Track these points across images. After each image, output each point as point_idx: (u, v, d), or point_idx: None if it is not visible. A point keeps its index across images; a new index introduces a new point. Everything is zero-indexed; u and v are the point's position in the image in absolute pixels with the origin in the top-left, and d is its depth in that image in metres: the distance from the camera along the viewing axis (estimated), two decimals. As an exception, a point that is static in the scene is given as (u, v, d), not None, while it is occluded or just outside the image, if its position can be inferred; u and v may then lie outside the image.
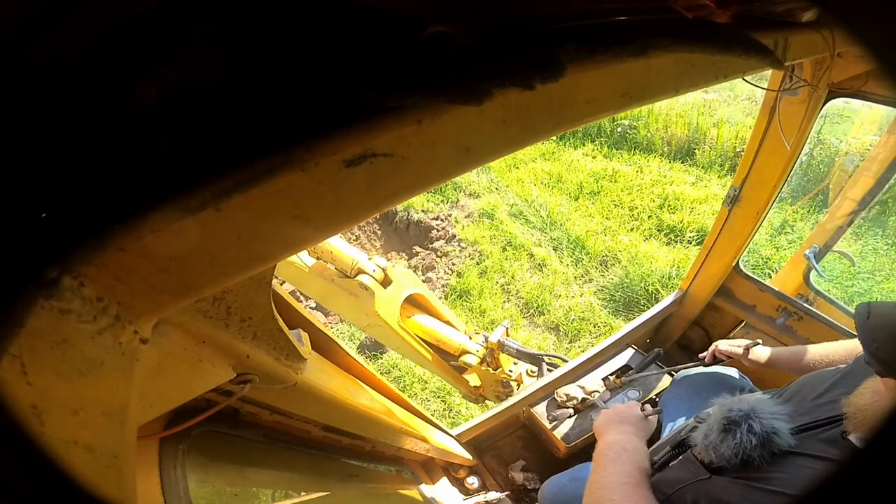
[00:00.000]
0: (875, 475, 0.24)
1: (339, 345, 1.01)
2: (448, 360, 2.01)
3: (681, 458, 0.97)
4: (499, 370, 2.00)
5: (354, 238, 4.88)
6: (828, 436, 0.77)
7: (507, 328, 1.96)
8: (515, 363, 2.09)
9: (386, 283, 1.71)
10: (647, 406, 1.17)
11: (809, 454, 0.76)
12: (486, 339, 1.94)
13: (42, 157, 0.29)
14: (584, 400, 1.74)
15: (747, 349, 1.36)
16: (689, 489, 0.86)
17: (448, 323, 1.99)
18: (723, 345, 1.46)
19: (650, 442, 1.09)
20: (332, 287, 1.68)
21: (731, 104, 6.33)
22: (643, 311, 2.93)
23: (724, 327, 2.10)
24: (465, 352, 1.95)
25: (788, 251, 3.87)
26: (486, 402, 2.23)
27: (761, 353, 1.35)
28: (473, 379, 2.12)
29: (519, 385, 2.11)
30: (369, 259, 1.68)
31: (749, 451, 0.79)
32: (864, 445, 0.60)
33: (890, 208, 3.96)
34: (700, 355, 1.56)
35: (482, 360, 1.96)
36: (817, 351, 1.24)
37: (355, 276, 1.64)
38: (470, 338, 1.97)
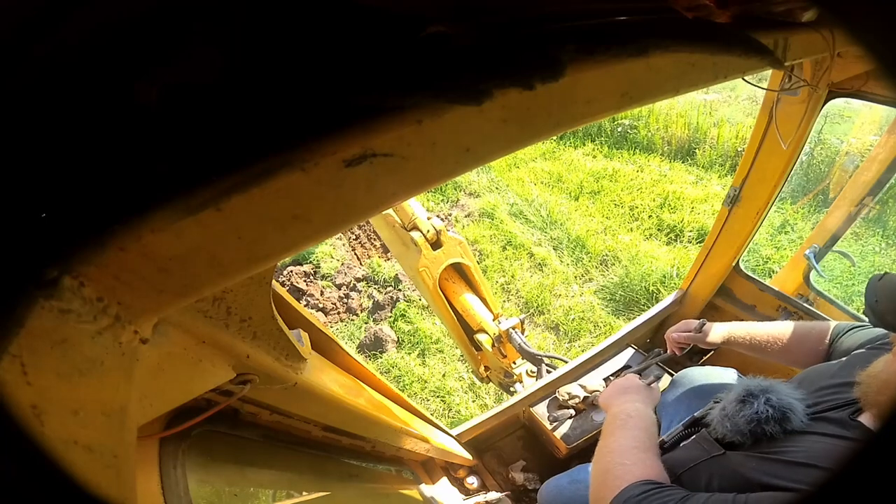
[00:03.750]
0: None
1: (339, 345, 1.01)
2: (468, 332, 2.07)
3: (693, 437, 0.97)
4: (506, 359, 2.02)
5: (355, 238, 4.88)
6: (836, 417, 0.78)
7: (521, 321, 1.97)
8: (523, 359, 2.10)
9: (437, 244, 1.76)
10: (651, 376, 1.18)
11: (820, 432, 0.77)
12: (499, 323, 1.96)
13: (42, 157, 0.29)
14: (585, 399, 1.74)
15: (699, 329, 1.35)
16: (702, 467, 0.85)
17: (483, 300, 2.02)
18: (674, 334, 1.44)
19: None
20: (392, 234, 1.79)
21: (731, 104, 6.33)
22: (643, 310, 2.92)
23: (724, 327, 2.10)
24: (482, 330, 1.98)
25: (788, 251, 3.87)
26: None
27: (717, 330, 1.34)
28: (487, 359, 2.17)
29: (519, 382, 2.11)
30: (427, 218, 1.74)
31: (764, 423, 0.80)
32: (885, 418, 0.62)
33: (890, 208, 3.96)
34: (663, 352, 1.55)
35: (493, 343, 1.98)
36: (768, 331, 1.25)
37: (410, 230, 1.71)
38: (493, 318, 2.00)
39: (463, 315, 2.03)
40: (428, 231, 1.72)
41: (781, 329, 1.23)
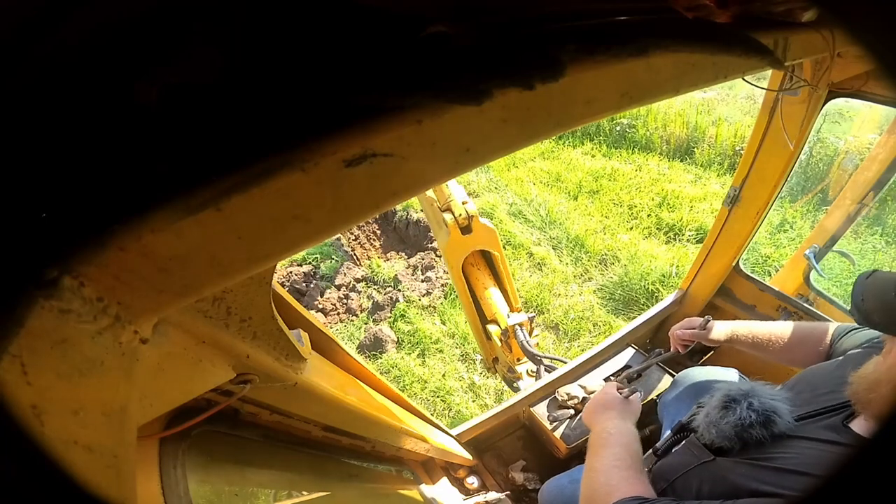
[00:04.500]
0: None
1: (339, 345, 1.01)
2: (482, 322, 2.10)
3: (684, 442, 0.98)
4: (511, 354, 2.03)
5: (354, 238, 4.88)
6: (828, 423, 0.78)
7: (530, 319, 1.98)
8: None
9: (467, 229, 1.80)
10: (627, 389, 1.18)
11: (811, 437, 0.77)
12: (508, 317, 1.97)
13: (42, 157, 0.29)
14: (584, 399, 1.74)
15: (703, 327, 1.35)
16: (693, 474, 0.86)
17: (505, 292, 2.04)
18: (679, 331, 1.44)
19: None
20: (430, 210, 1.89)
21: (729, 103, 6.34)
22: (643, 309, 2.92)
23: (723, 327, 2.09)
24: (495, 321, 2.00)
25: (788, 250, 3.87)
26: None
27: (721, 328, 1.34)
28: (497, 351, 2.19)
29: (521, 380, 2.12)
30: (463, 202, 1.78)
31: (749, 427, 0.80)
32: (883, 421, 0.62)
33: (889, 207, 3.96)
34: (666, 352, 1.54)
35: (500, 337, 2.00)
36: (771, 330, 1.25)
37: (443, 211, 1.77)
38: (509, 313, 2.01)
39: (480, 302, 2.06)
40: (460, 215, 1.76)
41: (783, 328, 1.23)
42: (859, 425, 0.75)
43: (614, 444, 0.97)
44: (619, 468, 0.90)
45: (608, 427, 1.03)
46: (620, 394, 1.15)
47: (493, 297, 2.01)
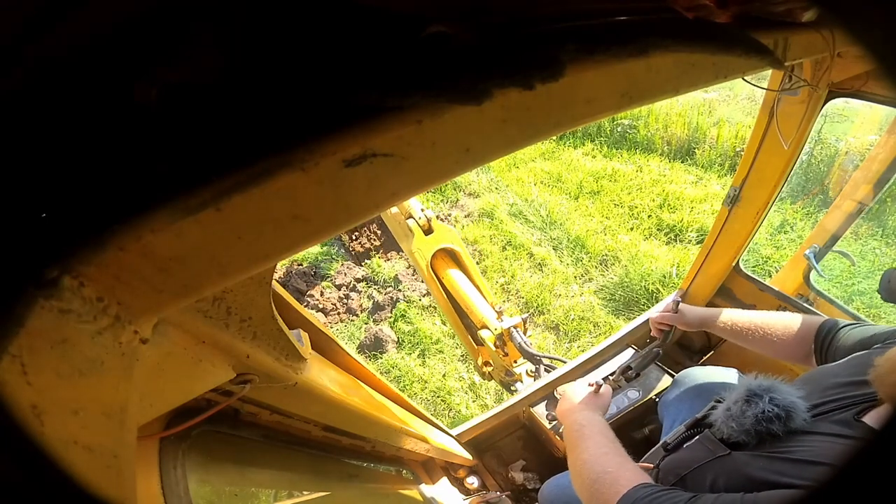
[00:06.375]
0: None
1: (339, 345, 1.01)
2: (470, 328, 2.17)
3: (697, 437, 0.98)
4: (507, 357, 2.04)
5: (354, 238, 4.88)
6: (840, 418, 0.78)
7: (524, 320, 2.00)
8: (524, 359, 2.12)
9: (428, 231, 2.01)
10: (607, 379, 1.21)
11: (824, 432, 0.77)
12: (502, 321, 1.99)
13: (42, 157, 0.29)
14: (583, 399, 1.74)
15: (674, 310, 1.34)
16: (706, 468, 0.86)
17: (478, 288, 2.12)
18: (654, 315, 1.44)
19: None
20: (393, 222, 2.12)
21: (730, 104, 6.33)
22: (643, 310, 2.92)
23: (723, 327, 2.09)
24: (485, 327, 2.02)
25: (788, 250, 3.87)
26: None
27: (694, 312, 1.34)
28: (487, 355, 2.22)
29: (520, 382, 2.12)
30: (421, 209, 2.04)
31: (768, 421, 0.80)
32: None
33: (889, 207, 3.96)
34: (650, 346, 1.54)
35: (495, 342, 2.01)
36: (751, 319, 1.22)
37: (406, 219, 2.02)
38: (497, 315, 2.04)
39: (465, 310, 2.09)
40: (420, 218, 2.00)
41: (766, 318, 1.21)
42: (872, 419, 0.74)
43: (591, 434, 0.99)
44: (609, 455, 0.91)
45: (578, 419, 1.05)
46: (590, 387, 1.18)
47: (477, 303, 2.06)
